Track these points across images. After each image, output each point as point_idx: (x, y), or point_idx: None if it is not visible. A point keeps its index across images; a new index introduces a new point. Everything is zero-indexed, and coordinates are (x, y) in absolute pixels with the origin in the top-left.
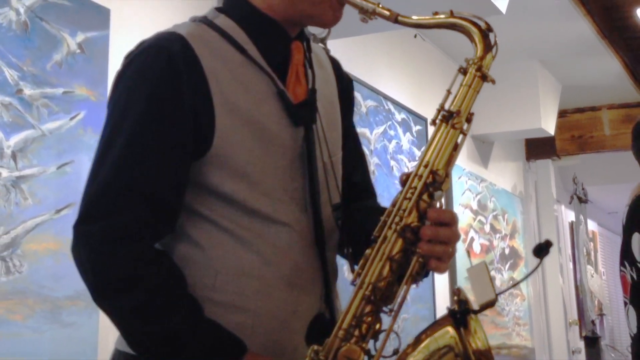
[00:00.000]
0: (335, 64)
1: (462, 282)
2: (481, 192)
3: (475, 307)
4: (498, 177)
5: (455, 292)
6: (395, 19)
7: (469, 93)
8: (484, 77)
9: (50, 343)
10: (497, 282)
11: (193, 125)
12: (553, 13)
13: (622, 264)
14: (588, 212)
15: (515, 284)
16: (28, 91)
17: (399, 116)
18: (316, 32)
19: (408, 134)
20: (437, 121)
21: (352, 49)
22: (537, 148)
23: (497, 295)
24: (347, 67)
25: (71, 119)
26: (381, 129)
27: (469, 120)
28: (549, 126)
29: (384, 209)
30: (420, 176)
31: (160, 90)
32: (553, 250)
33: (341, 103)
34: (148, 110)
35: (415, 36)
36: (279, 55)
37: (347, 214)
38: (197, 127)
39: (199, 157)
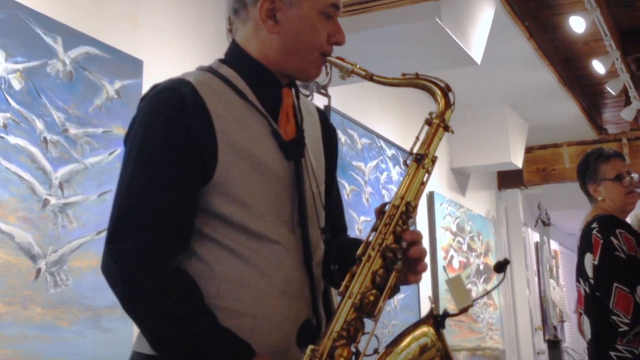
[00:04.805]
0: (322, 115)
1: (443, 294)
2: (459, 217)
3: (453, 311)
4: (474, 203)
5: (430, 300)
6: (370, 77)
7: (434, 140)
8: (446, 128)
9: (91, 346)
10: (473, 294)
11: (200, 157)
12: (521, 64)
13: (577, 279)
14: (551, 234)
15: (487, 293)
16: (73, 130)
17: (389, 152)
18: (319, 80)
19: (397, 167)
20: (409, 162)
21: (349, 95)
22: (507, 179)
23: (473, 301)
24: (345, 110)
25: (110, 154)
26: (374, 162)
27: (433, 162)
28: (518, 160)
29: (356, 239)
30: (397, 206)
31: (174, 125)
32: (521, 266)
33: (325, 148)
34: (164, 142)
35: None
36: (272, 99)
37: (331, 241)
38: (203, 158)
39: (203, 185)
